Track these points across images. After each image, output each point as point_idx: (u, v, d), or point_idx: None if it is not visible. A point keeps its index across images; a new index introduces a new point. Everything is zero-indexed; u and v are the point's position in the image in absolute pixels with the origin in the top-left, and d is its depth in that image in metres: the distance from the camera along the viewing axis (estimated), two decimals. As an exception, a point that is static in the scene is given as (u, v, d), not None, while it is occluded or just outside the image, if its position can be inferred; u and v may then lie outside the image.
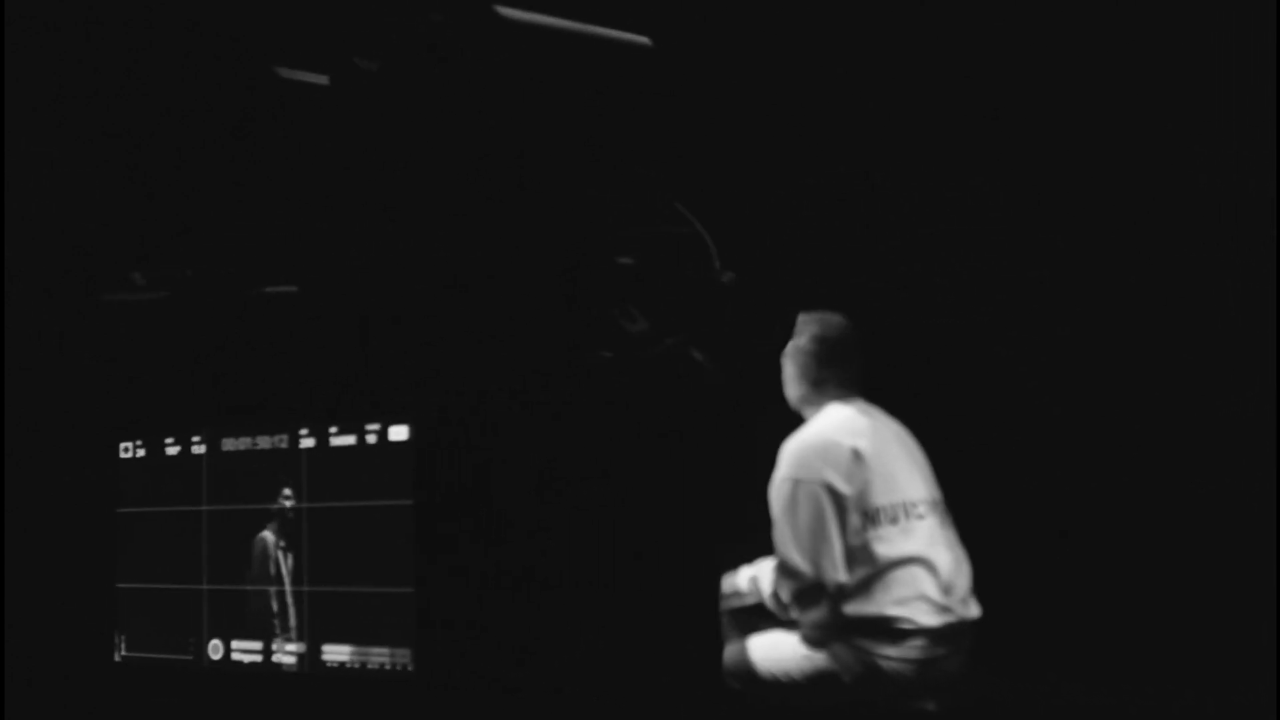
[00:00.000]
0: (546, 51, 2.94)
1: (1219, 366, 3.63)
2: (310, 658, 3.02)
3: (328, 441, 3.06)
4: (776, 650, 3.13)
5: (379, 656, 2.90)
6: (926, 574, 3.00)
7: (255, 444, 3.22)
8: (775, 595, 3.12)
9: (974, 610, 3.10)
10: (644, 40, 2.87)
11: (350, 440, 3.02)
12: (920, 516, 3.07)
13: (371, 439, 2.98)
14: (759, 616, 3.21)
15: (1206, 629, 3.60)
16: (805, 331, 3.23)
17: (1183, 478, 3.66)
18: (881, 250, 4.03)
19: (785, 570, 3.05)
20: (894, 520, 3.03)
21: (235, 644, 3.19)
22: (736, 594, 3.29)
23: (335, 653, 2.96)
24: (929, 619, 2.97)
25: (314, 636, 3.02)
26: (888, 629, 2.96)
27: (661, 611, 2.68)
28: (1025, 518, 3.80)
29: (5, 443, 3.52)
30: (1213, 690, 3.50)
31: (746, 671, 3.15)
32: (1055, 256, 3.89)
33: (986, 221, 3.95)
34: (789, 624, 3.13)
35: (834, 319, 3.24)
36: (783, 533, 3.05)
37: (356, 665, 2.94)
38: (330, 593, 3.01)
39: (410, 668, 2.82)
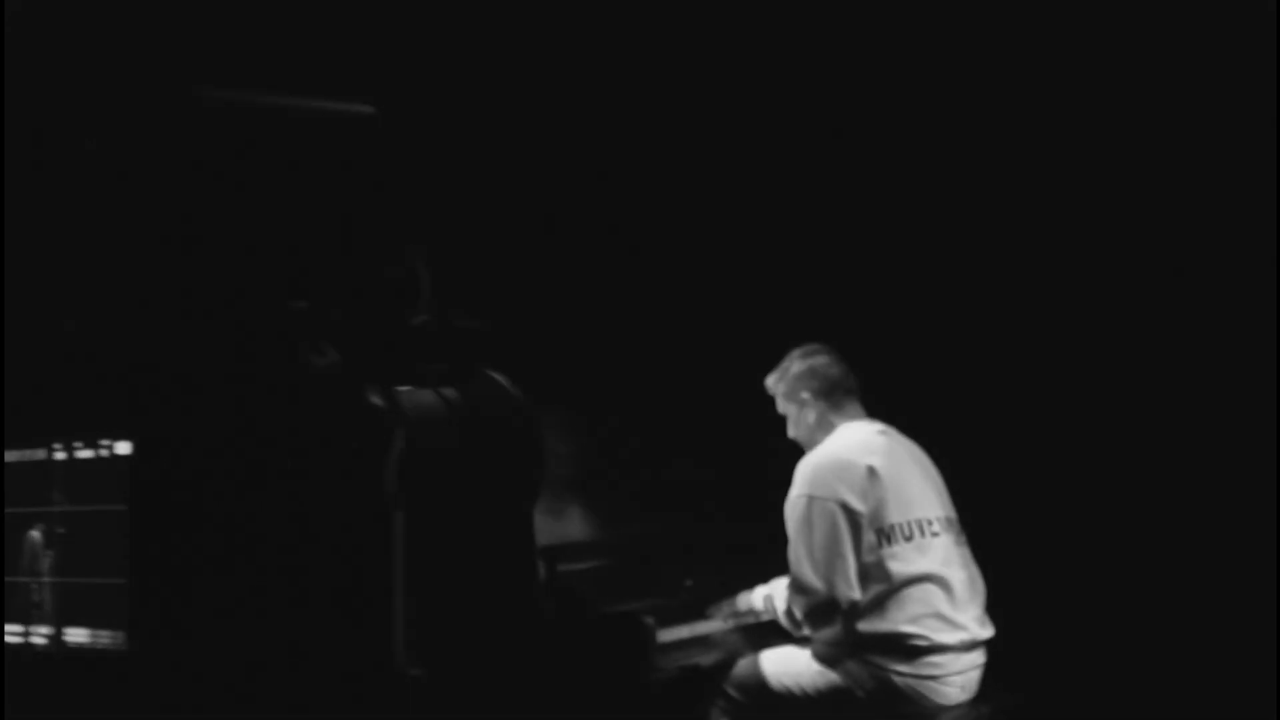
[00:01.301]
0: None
1: (1222, 371, 3.63)
2: (56, 639, 3.47)
3: (74, 454, 3.55)
4: (790, 665, 3.12)
5: (104, 639, 3.35)
6: (940, 591, 3.00)
7: (23, 456, 3.70)
8: (789, 612, 3.11)
9: (988, 628, 3.09)
10: (367, 109, 2.93)
11: (90, 454, 3.50)
12: (935, 534, 3.06)
13: (105, 453, 3.44)
14: (772, 632, 3.22)
15: (1217, 639, 3.60)
16: (795, 368, 3.24)
17: (1192, 486, 3.66)
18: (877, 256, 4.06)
19: (799, 587, 3.05)
20: (908, 538, 3.02)
21: (8, 628, 3.62)
22: (751, 611, 3.29)
23: (74, 635, 3.43)
24: (942, 636, 2.96)
25: (60, 621, 3.49)
26: (901, 646, 2.95)
27: (349, 606, 2.85)
28: (1038, 535, 3.78)
29: None
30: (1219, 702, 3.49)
31: (760, 686, 3.13)
32: (1059, 261, 3.88)
33: (984, 225, 3.96)
34: (803, 639, 3.13)
35: (816, 347, 3.26)
36: (797, 550, 3.04)
37: (88, 645, 3.39)
38: (72, 583, 3.48)
39: (124, 648, 3.27)
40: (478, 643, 2.97)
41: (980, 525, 3.23)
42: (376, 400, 2.81)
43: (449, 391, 2.97)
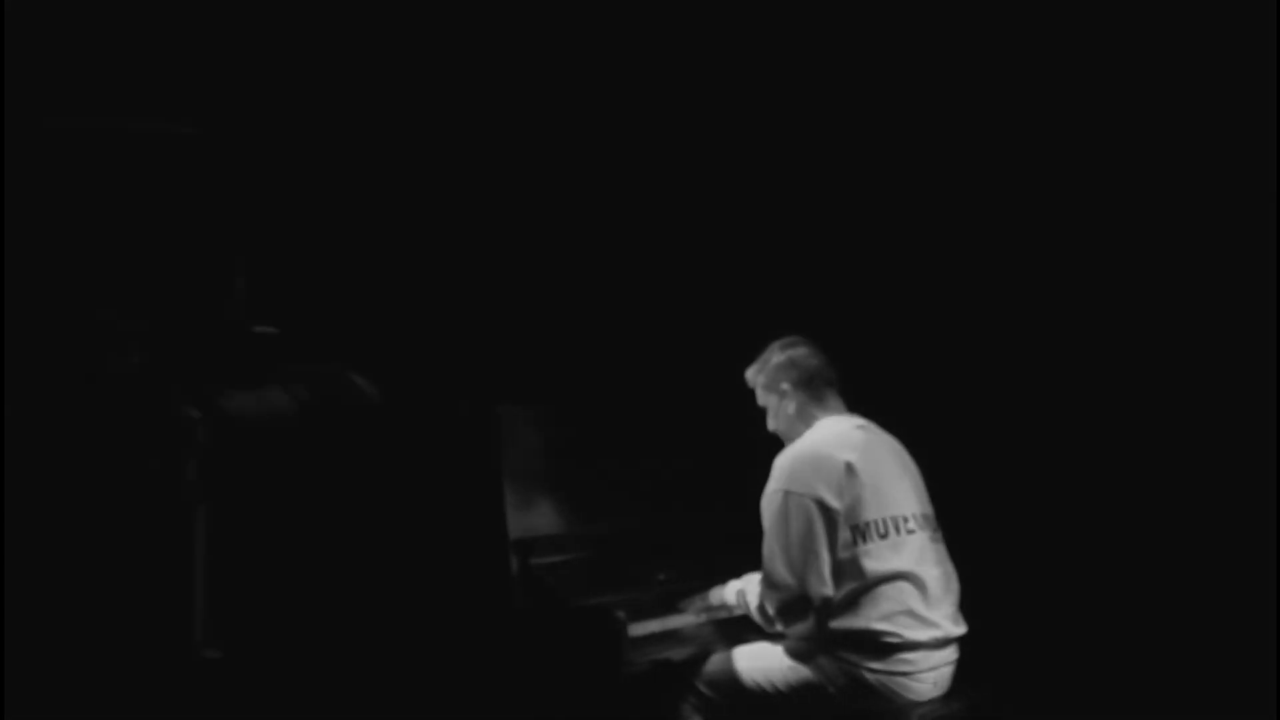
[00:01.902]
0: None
1: (1218, 372, 3.62)
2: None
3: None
4: (762, 661, 3.10)
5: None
6: (914, 589, 2.98)
7: None
8: (762, 608, 3.08)
9: (961, 625, 3.08)
10: (190, 130, 2.96)
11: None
12: (911, 531, 3.04)
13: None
14: (746, 628, 3.19)
15: (1188, 635, 3.60)
16: (775, 359, 3.22)
17: (1167, 484, 3.66)
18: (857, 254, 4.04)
19: (772, 583, 3.02)
20: (884, 535, 3.00)
21: None
22: (724, 605, 3.27)
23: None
24: (914, 633, 2.95)
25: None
26: (873, 643, 2.94)
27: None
28: (1017, 531, 3.79)
29: None
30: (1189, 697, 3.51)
31: (731, 681, 3.12)
32: (1047, 261, 3.88)
33: (966, 222, 3.96)
34: (776, 635, 3.10)
35: (795, 339, 3.24)
36: (772, 545, 3.01)
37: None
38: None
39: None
40: (293, 626, 3.06)
41: (959, 521, 3.22)
42: (180, 400, 2.88)
43: (295, 391, 3.03)
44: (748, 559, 3.17)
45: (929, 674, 2.99)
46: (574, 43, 3.83)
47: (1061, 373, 3.86)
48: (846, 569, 2.97)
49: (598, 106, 3.93)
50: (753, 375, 3.27)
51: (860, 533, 2.98)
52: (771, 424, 3.25)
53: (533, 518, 3.37)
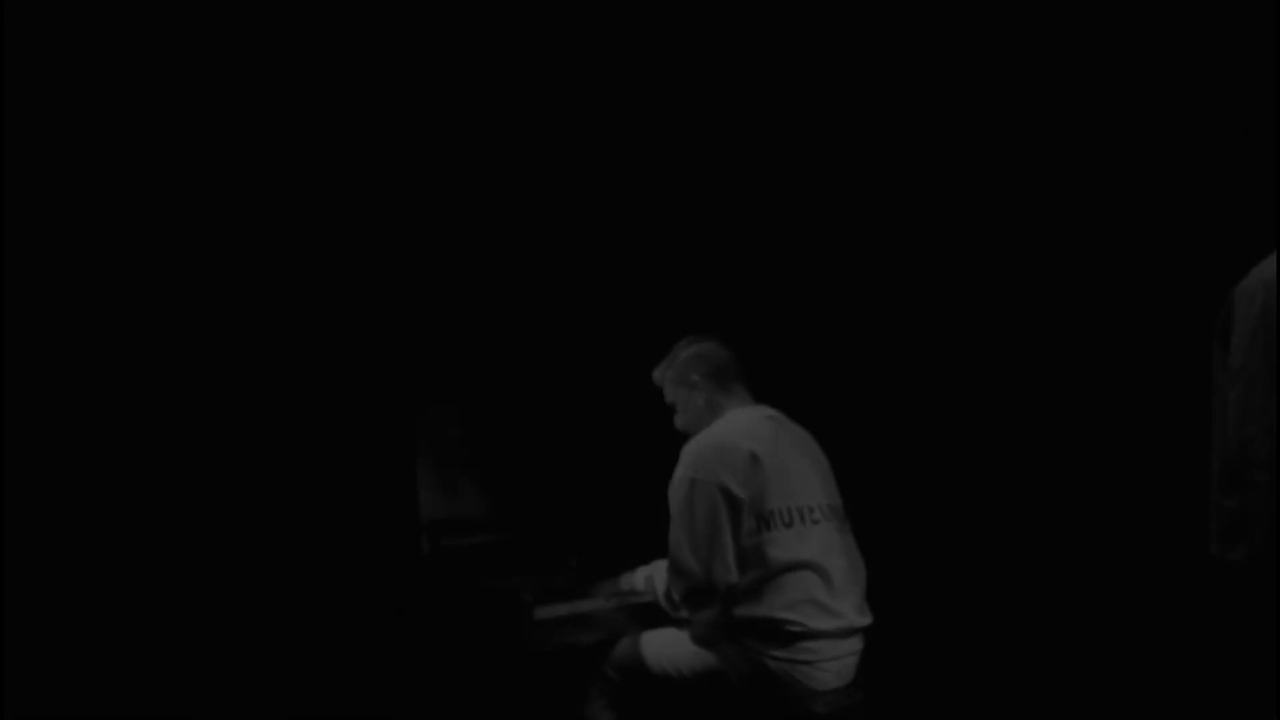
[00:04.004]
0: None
1: (1121, 364, 3.65)
2: None
3: None
4: (668, 647, 3.12)
5: None
6: (818, 579, 2.99)
7: None
8: (668, 594, 3.11)
9: (866, 616, 3.10)
10: None
11: None
12: (816, 521, 3.05)
13: None
14: (658, 613, 3.21)
15: (1101, 632, 3.63)
16: (683, 354, 3.24)
17: (1080, 480, 3.68)
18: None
19: (678, 570, 3.04)
20: (788, 524, 3.01)
21: None
22: (633, 591, 3.30)
23: None
24: (818, 623, 2.96)
25: None
26: (776, 631, 2.95)
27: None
28: (927, 524, 3.81)
29: None
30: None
31: (638, 666, 3.14)
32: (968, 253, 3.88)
33: (877, 216, 3.97)
34: (683, 621, 3.13)
35: (701, 335, 3.27)
36: (677, 533, 3.04)
37: None
38: None
39: None
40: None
41: (868, 513, 3.24)
42: None
43: None
44: (661, 545, 3.16)
45: (832, 663, 3.00)
46: (477, 36, 3.81)
47: (969, 367, 3.86)
48: (751, 557, 2.98)
49: (516, 95, 3.92)
50: (661, 372, 3.29)
51: (765, 521, 2.99)
52: (680, 420, 3.26)
53: (446, 499, 3.38)
